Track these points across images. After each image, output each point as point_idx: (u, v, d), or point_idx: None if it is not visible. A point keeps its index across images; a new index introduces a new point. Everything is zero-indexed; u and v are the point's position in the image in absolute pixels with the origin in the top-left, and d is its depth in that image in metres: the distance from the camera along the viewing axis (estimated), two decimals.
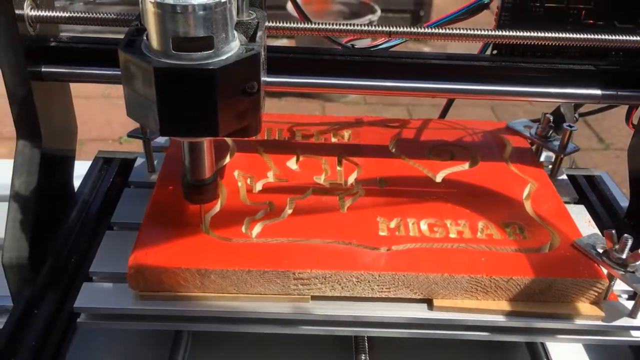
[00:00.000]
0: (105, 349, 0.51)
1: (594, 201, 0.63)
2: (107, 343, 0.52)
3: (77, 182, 0.63)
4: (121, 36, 0.54)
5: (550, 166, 0.64)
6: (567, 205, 0.56)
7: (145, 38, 0.39)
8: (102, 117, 2.26)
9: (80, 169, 0.63)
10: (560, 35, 0.51)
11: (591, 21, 0.55)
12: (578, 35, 0.52)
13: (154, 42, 0.38)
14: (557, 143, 0.62)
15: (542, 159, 0.66)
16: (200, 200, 0.48)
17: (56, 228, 0.56)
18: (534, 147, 0.64)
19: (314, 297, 0.48)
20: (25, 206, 0.51)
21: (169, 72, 0.37)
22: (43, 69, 0.52)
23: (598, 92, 0.55)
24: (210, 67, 0.37)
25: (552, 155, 0.63)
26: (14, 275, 0.51)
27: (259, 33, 0.42)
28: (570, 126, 0.60)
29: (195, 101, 0.38)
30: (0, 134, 2.17)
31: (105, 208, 0.60)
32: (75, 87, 0.59)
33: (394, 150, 0.62)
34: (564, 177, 0.63)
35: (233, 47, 0.39)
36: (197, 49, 0.37)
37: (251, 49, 0.39)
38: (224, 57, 0.38)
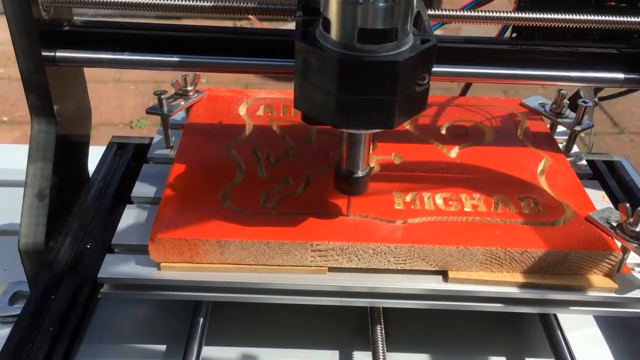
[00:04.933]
0: (122, 332, 0.52)
1: (614, 187, 0.63)
2: (124, 328, 0.53)
3: (91, 168, 0.63)
4: (137, 20, 0.55)
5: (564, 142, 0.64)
6: (581, 181, 0.56)
7: (321, 28, 0.39)
8: (113, 101, 2.28)
9: (94, 153, 0.64)
10: (582, 17, 0.51)
11: (613, 3, 0.54)
12: (600, 17, 0.51)
13: (337, 33, 0.38)
14: (571, 119, 0.62)
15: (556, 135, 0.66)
16: (350, 192, 0.48)
17: (71, 213, 0.57)
18: (548, 124, 0.64)
19: (330, 269, 0.48)
20: (41, 192, 0.52)
21: (353, 64, 0.37)
22: (57, 54, 0.52)
23: (620, 75, 0.55)
24: (396, 59, 0.37)
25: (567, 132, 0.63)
26: (31, 261, 0.52)
27: (426, 22, 0.42)
28: (585, 102, 0.60)
29: (375, 93, 0.38)
30: (13, 118, 2.20)
31: (120, 192, 0.60)
32: (86, 71, 0.59)
33: (408, 126, 0.62)
34: (584, 162, 0.62)
35: (410, 38, 0.39)
36: (381, 40, 0.37)
37: (427, 40, 0.39)
38: (404, 49, 0.38)
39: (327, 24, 0.38)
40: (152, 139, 0.64)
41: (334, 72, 0.37)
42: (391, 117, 0.39)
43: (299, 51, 0.39)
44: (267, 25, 2.60)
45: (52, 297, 0.49)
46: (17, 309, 0.52)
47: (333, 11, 0.37)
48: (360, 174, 0.46)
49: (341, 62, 0.37)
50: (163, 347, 0.51)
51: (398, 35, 0.38)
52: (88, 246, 0.54)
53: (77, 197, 0.59)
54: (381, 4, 0.36)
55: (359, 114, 0.39)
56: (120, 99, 2.30)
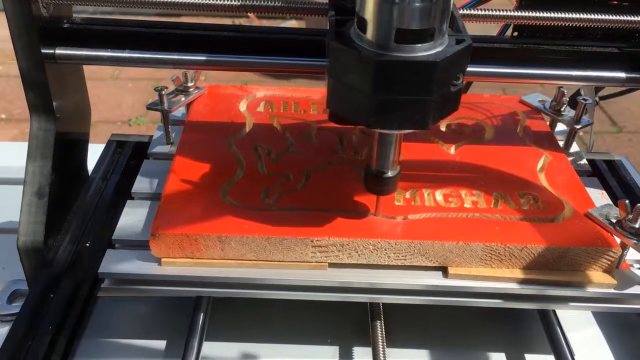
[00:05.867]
0: (122, 330, 0.52)
1: (614, 186, 0.63)
2: (124, 325, 0.53)
3: (90, 166, 0.63)
4: (137, 17, 0.55)
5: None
6: (580, 178, 0.56)
7: (356, 28, 0.39)
8: (111, 99, 2.28)
9: (93, 151, 0.63)
10: (584, 16, 0.51)
11: (615, 2, 0.53)
12: (602, 16, 0.51)
13: (374, 33, 0.37)
14: (571, 117, 0.62)
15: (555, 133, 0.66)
16: (379, 192, 0.48)
17: (70, 211, 0.57)
18: (547, 121, 0.64)
19: (331, 265, 0.49)
20: (40, 190, 0.52)
21: (390, 64, 0.37)
22: (57, 51, 0.52)
23: (622, 74, 0.55)
24: (434, 60, 0.37)
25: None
26: (30, 260, 0.51)
27: (460, 22, 0.41)
28: (585, 99, 0.60)
29: (411, 93, 0.38)
30: (11, 115, 2.19)
31: (119, 191, 0.60)
32: (84, 69, 0.59)
33: None
34: (584, 161, 0.62)
35: (446, 38, 0.39)
36: (418, 40, 0.37)
37: (462, 40, 0.39)
38: (440, 49, 0.38)
39: (363, 24, 0.38)
40: (151, 136, 0.64)
41: (370, 72, 0.37)
42: (426, 117, 0.39)
43: (333, 51, 0.39)
44: (265, 23, 2.60)
45: (51, 295, 0.49)
46: (15, 307, 0.52)
47: (370, 11, 0.37)
48: (390, 174, 0.46)
49: (378, 63, 0.37)
50: (163, 344, 0.51)
51: (435, 35, 0.37)
52: (87, 244, 0.54)
53: (76, 195, 0.59)
54: (420, 4, 0.36)
55: (393, 114, 0.39)
56: (118, 97, 2.30)
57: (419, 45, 0.37)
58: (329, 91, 0.41)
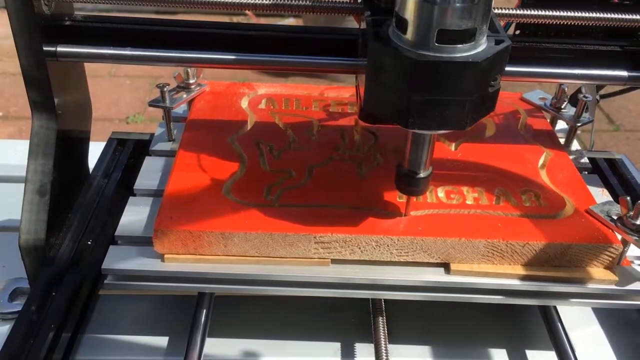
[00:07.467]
0: (124, 327, 0.52)
1: (616, 185, 0.63)
2: (126, 322, 0.53)
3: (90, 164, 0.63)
4: (137, 15, 0.54)
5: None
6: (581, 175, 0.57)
7: (395, 28, 0.39)
8: (109, 96, 2.27)
9: (93, 149, 0.63)
10: (586, 14, 0.51)
11: (617, 0, 0.53)
12: (604, 15, 0.51)
13: (414, 34, 0.37)
14: (571, 114, 0.62)
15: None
16: (411, 192, 0.48)
17: (72, 209, 0.57)
18: (548, 118, 0.65)
19: (334, 261, 0.49)
20: (42, 188, 0.51)
21: (431, 65, 0.37)
22: (58, 49, 0.51)
23: (624, 73, 0.54)
24: (475, 60, 0.37)
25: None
26: (31, 258, 0.51)
27: (497, 22, 0.41)
28: (586, 97, 0.60)
29: (451, 94, 0.38)
30: (7, 113, 2.18)
31: (120, 188, 0.60)
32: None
33: None
34: (585, 160, 0.62)
35: (485, 38, 0.39)
36: (459, 41, 0.37)
37: (501, 41, 0.39)
38: (480, 50, 0.38)
39: (402, 24, 0.38)
40: (152, 134, 0.64)
41: (411, 72, 0.37)
42: (464, 118, 0.39)
43: (372, 51, 0.39)
44: (263, 20, 2.60)
45: (53, 293, 0.49)
46: (17, 305, 0.52)
47: (411, 11, 0.37)
48: (422, 174, 0.46)
49: (419, 63, 0.37)
50: (165, 340, 0.51)
51: (476, 35, 0.37)
52: (88, 242, 0.54)
53: (77, 193, 0.59)
54: (463, 5, 0.36)
55: (432, 114, 0.39)
56: (116, 94, 2.29)
57: (460, 45, 0.37)
58: (365, 91, 0.40)
